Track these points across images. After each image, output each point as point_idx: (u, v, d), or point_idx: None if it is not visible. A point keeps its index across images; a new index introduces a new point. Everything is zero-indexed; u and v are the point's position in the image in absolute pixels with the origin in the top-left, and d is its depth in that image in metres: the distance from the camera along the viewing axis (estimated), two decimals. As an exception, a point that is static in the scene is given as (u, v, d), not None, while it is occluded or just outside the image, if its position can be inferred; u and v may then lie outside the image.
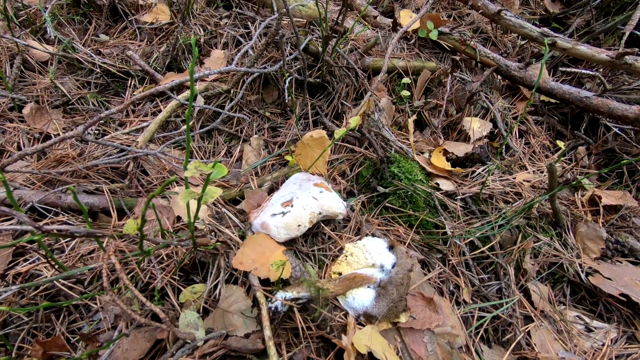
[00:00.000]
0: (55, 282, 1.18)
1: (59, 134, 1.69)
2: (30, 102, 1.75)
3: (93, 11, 2.28)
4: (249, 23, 2.19)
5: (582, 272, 1.40)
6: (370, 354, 1.07)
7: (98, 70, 1.96)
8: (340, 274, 1.23)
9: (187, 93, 1.84)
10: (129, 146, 1.61)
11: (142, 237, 0.85)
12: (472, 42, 2.05)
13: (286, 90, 1.57)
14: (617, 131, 1.86)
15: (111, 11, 2.31)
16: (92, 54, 1.98)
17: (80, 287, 1.20)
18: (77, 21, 2.22)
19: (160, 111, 1.82)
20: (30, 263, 1.21)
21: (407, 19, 2.23)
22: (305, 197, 1.32)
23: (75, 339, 1.13)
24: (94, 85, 1.97)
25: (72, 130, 1.38)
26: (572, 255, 1.44)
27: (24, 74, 1.90)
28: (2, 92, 1.76)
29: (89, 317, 1.19)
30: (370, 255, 1.23)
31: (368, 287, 1.20)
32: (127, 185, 1.50)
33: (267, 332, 0.94)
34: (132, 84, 2.00)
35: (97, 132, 1.74)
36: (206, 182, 0.87)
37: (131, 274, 1.24)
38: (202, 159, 1.77)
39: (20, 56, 1.84)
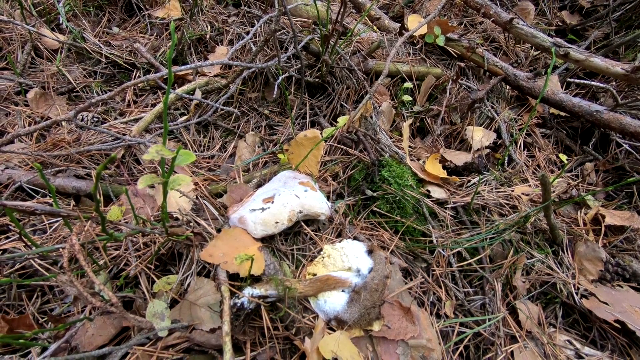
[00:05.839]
0: (32, 262, 1.19)
1: (59, 120, 1.73)
2: (36, 87, 1.80)
3: (109, 5, 2.35)
4: (256, 21, 2.21)
5: (577, 294, 1.31)
6: (335, 360, 1.02)
7: (104, 60, 2.01)
8: (315, 275, 1.19)
9: (186, 86, 1.85)
10: (124, 135, 1.63)
11: (103, 218, 0.84)
12: (480, 50, 1.99)
13: (276, 87, 1.56)
14: (629, 148, 1.75)
15: (127, 5, 2.37)
16: (101, 45, 2.03)
17: (57, 269, 1.20)
18: (92, 13, 2.29)
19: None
20: (10, 241, 1.23)
21: (416, 23, 2.19)
22: (288, 195, 1.30)
23: (44, 320, 1.14)
24: (100, 75, 2.02)
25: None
26: (567, 276, 1.35)
27: (35, 61, 1.96)
28: (11, 76, 1.83)
29: (61, 300, 1.19)
30: (347, 258, 1.19)
31: (342, 290, 1.15)
32: (116, 172, 1.51)
33: (226, 328, 0.91)
34: (137, 75, 2.04)
35: (96, 119, 1.77)
36: (171, 167, 0.86)
37: (113, 257, 1.25)
38: (195, 152, 1.77)
39: (31, 43, 1.91)
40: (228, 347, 0.88)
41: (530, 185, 1.64)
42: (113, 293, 1.18)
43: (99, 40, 2.08)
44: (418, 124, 2.01)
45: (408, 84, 1.90)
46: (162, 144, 0.95)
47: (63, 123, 1.69)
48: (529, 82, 1.95)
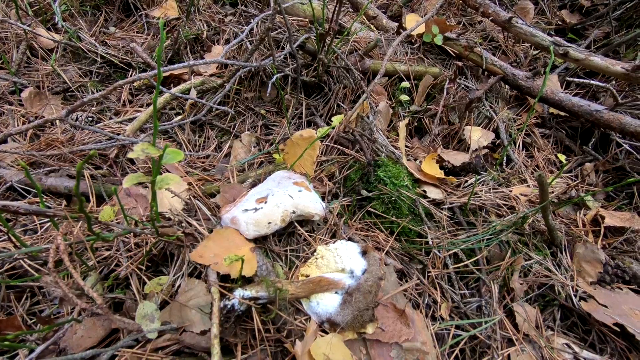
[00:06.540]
0: (22, 262, 1.18)
1: (53, 119, 1.72)
2: (31, 86, 1.79)
3: (106, 4, 2.34)
4: (252, 21, 2.19)
5: (576, 296, 1.29)
6: (327, 363, 1.00)
7: (100, 60, 2.00)
8: (308, 276, 1.17)
9: (182, 86, 1.84)
10: (119, 134, 1.62)
11: (89, 218, 0.83)
12: (478, 49, 1.97)
13: (270, 85, 1.55)
14: (629, 148, 1.73)
15: (124, 5, 2.36)
16: (97, 44, 2.02)
17: (47, 269, 1.19)
18: (89, 13, 2.28)
19: (154, 102, 1.83)
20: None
21: (414, 23, 2.17)
22: (281, 195, 1.28)
23: (33, 321, 1.12)
24: (96, 74, 2.01)
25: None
26: (565, 278, 1.33)
27: (30, 60, 1.95)
28: (5, 76, 1.82)
29: (51, 301, 1.18)
30: (340, 260, 1.17)
31: (335, 292, 1.13)
32: (109, 171, 1.49)
33: (214, 330, 0.89)
34: (133, 75, 2.03)
35: (91, 119, 1.76)
36: (158, 165, 0.84)
37: (103, 257, 1.23)
38: (190, 152, 1.76)
39: (26, 42, 1.90)
40: (216, 350, 0.86)
41: (528, 186, 1.61)
42: (103, 294, 1.17)
43: (95, 40, 2.07)
44: (416, 124, 1.99)
45: (405, 84, 1.88)
46: (152, 142, 0.93)
47: (57, 122, 1.68)
48: (528, 82, 1.92)
